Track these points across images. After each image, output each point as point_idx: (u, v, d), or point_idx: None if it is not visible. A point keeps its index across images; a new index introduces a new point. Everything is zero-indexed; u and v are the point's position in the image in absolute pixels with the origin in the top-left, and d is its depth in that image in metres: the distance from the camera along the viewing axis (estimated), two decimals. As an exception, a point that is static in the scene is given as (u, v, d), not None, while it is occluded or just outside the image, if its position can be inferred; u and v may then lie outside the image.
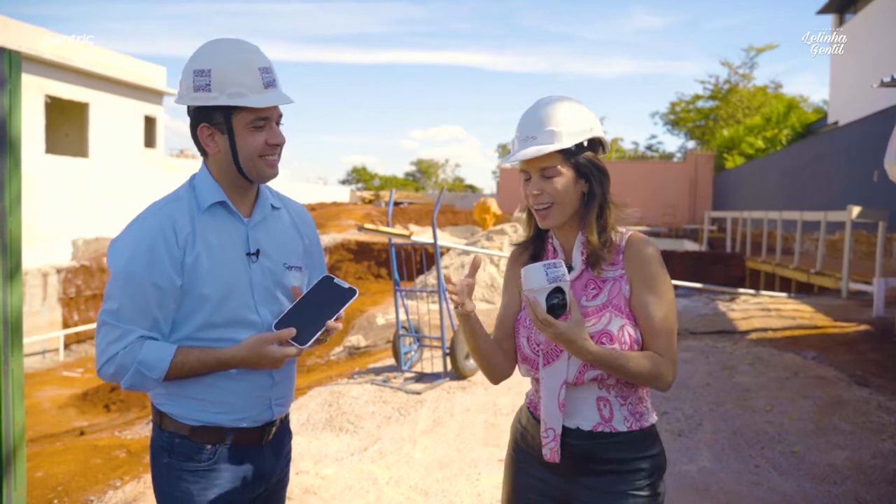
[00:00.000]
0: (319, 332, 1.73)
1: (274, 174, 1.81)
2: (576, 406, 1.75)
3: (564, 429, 1.75)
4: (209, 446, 1.79)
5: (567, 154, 1.71)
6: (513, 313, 1.88)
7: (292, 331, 1.71)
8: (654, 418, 1.81)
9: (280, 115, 1.80)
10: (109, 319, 1.69)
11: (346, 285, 1.80)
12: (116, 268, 1.70)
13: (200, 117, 1.75)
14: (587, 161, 1.74)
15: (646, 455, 1.76)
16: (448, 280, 1.70)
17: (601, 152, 1.79)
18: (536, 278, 1.58)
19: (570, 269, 1.77)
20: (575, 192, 1.74)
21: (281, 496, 2.02)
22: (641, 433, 1.77)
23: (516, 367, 1.88)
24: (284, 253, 1.89)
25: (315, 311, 1.76)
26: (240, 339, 1.75)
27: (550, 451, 1.74)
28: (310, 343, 1.72)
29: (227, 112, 1.72)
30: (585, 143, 1.73)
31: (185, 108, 1.79)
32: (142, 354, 1.68)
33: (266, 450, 1.88)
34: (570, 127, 1.70)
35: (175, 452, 1.79)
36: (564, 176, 1.72)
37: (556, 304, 1.58)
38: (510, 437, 1.96)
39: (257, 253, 1.82)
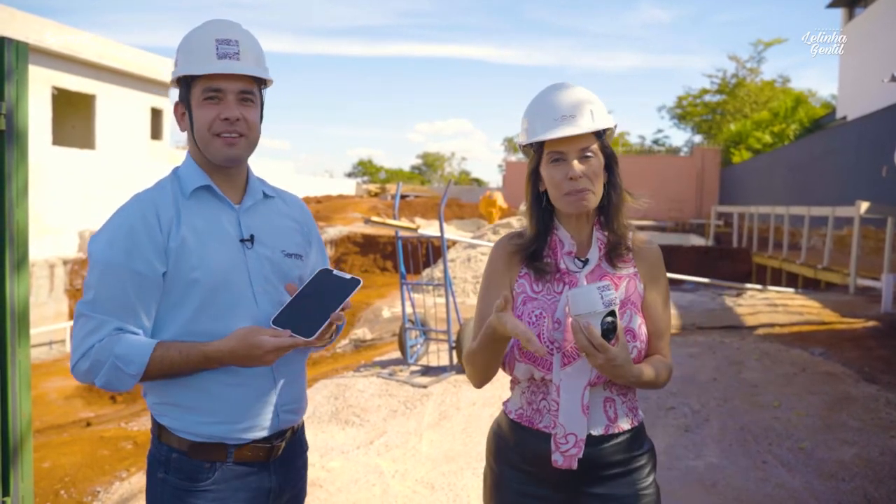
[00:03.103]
0: (325, 324, 1.62)
1: (232, 154, 1.67)
2: (589, 412, 1.66)
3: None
4: (208, 464, 1.65)
5: (600, 139, 1.68)
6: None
7: (286, 332, 1.60)
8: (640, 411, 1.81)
9: (245, 93, 1.67)
10: (85, 310, 1.58)
11: (348, 276, 1.71)
12: (94, 256, 1.60)
13: (179, 95, 1.72)
14: (610, 149, 1.71)
15: (644, 451, 1.74)
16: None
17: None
18: (589, 302, 1.47)
19: (584, 263, 1.69)
20: (602, 180, 1.69)
21: None
22: (640, 429, 1.75)
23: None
24: (281, 240, 1.78)
25: (316, 303, 1.66)
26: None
27: (567, 457, 1.62)
28: (316, 335, 1.60)
29: (188, 86, 1.67)
30: (615, 128, 1.72)
31: None
32: (119, 347, 1.55)
33: (274, 467, 1.73)
34: (600, 111, 1.68)
35: (171, 469, 1.66)
36: (599, 159, 1.67)
37: (608, 328, 1.48)
38: (489, 459, 1.82)
39: (251, 239, 1.71)
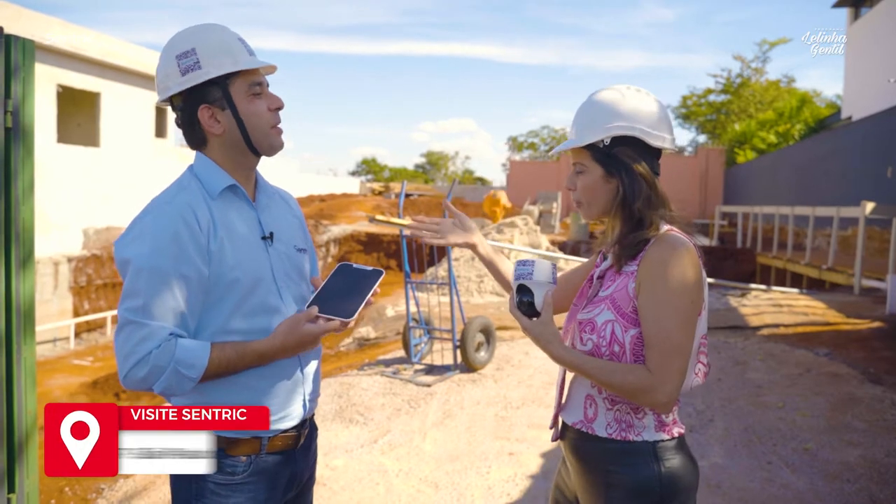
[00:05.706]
0: (362, 306, 1.68)
1: (283, 144, 1.77)
2: (570, 399, 1.76)
3: (563, 423, 1.77)
4: (244, 458, 1.69)
5: (594, 151, 1.68)
6: (573, 285, 1.91)
7: (314, 309, 1.65)
8: (654, 435, 1.63)
9: (268, 83, 1.77)
10: (135, 318, 1.56)
11: (369, 268, 1.76)
12: (138, 263, 1.57)
13: (197, 100, 1.68)
14: (615, 158, 1.65)
15: (627, 474, 1.61)
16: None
17: (653, 147, 1.67)
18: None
19: (605, 258, 1.77)
20: (605, 190, 1.68)
21: (309, 496, 1.93)
22: (626, 446, 1.62)
23: None
24: (292, 236, 1.84)
25: (345, 291, 1.70)
26: (270, 327, 1.68)
27: (553, 430, 1.79)
28: (355, 316, 1.66)
29: (224, 85, 1.67)
30: (607, 142, 1.64)
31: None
32: (178, 352, 1.56)
33: (298, 453, 1.80)
34: (589, 124, 1.67)
35: None
36: (592, 173, 1.69)
37: (523, 300, 1.62)
38: None
39: (271, 236, 1.77)
